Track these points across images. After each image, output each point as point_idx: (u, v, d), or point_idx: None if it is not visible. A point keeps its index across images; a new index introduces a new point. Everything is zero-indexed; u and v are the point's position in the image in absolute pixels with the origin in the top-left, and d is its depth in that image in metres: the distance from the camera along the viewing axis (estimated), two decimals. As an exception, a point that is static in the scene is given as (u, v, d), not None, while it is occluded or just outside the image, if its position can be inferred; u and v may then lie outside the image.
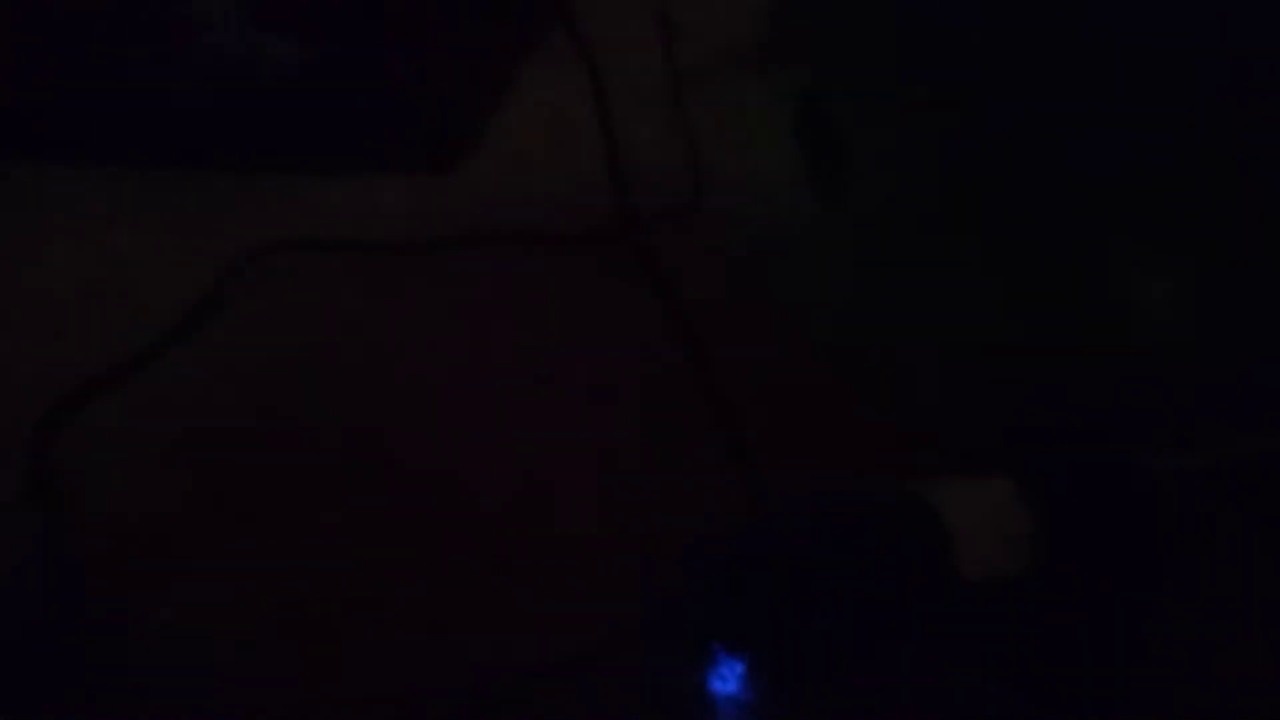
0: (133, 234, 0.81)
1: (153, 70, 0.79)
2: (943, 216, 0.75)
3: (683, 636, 0.60)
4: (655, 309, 0.79)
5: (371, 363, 0.75)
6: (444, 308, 0.79)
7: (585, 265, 0.82)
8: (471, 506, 0.69)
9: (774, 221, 0.86)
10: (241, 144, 0.84)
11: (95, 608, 0.62)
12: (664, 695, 0.60)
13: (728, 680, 0.58)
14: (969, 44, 0.71)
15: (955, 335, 0.74)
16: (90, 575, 0.64)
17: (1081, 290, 0.67)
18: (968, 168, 0.73)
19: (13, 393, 0.71)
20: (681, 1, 0.97)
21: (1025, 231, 0.70)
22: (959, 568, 0.56)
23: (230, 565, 0.65)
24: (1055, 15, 0.64)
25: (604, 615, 0.64)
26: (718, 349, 0.76)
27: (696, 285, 0.80)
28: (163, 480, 0.68)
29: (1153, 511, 0.60)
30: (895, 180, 0.79)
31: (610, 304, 0.80)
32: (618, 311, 0.79)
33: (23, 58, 0.78)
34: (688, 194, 0.87)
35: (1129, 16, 0.60)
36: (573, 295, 0.80)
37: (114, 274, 0.78)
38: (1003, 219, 0.71)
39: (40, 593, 0.63)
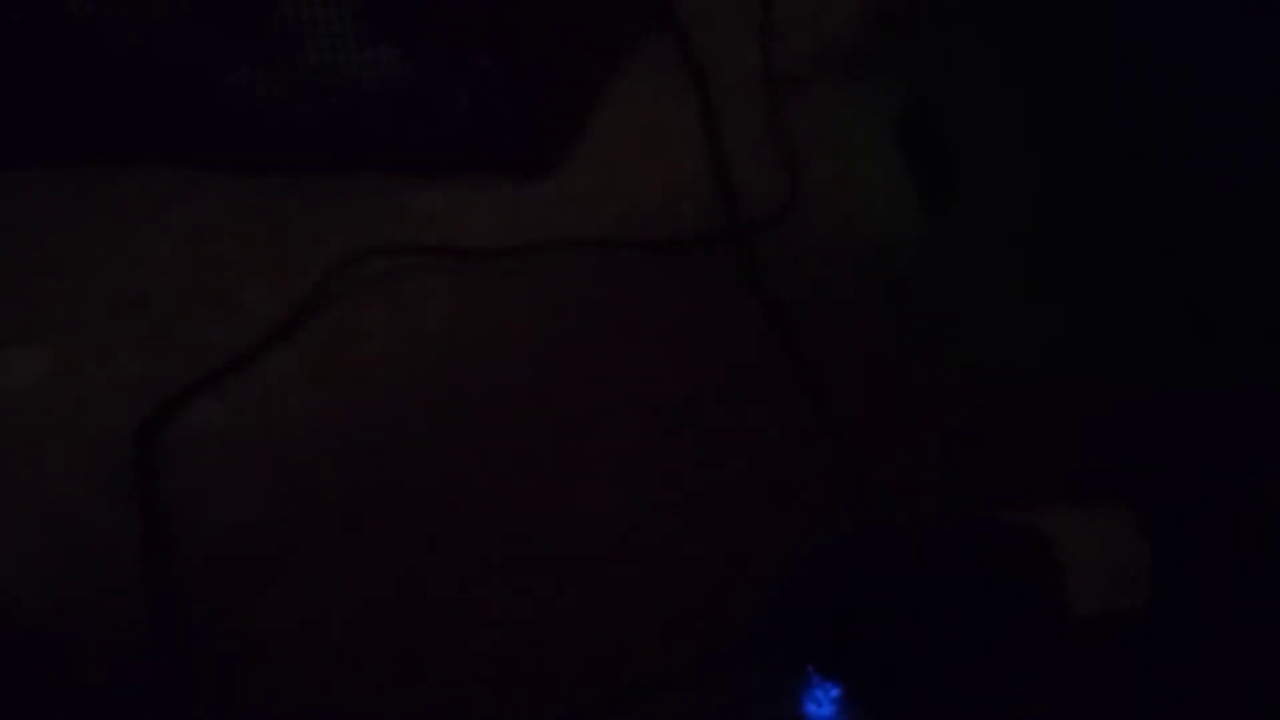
0: (235, 238, 0.82)
1: (259, 79, 0.80)
2: (1054, 229, 0.73)
3: (775, 656, 0.59)
4: (754, 316, 0.78)
5: (468, 367, 0.75)
6: (540, 312, 0.78)
7: (682, 271, 0.81)
8: (561, 515, 0.68)
9: (874, 230, 0.85)
10: (340, 149, 0.85)
11: (193, 609, 0.63)
12: (755, 718, 0.59)
13: (822, 704, 0.57)
14: (1087, 51, 0.69)
15: (1066, 354, 0.71)
16: (189, 576, 0.65)
17: (1204, 310, 0.64)
18: (1084, 179, 0.70)
19: (115, 394, 0.72)
20: (780, 6, 0.95)
21: (1142, 248, 0.67)
22: (1071, 601, 0.54)
23: (327, 568, 0.65)
24: (1187, 24, 0.61)
25: (694, 632, 0.63)
26: (817, 359, 0.75)
27: (793, 293, 0.79)
28: (261, 482, 0.69)
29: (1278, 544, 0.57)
30: (1004, 192, 0.77)
31: (708, 311, 0.79)
32: (715, 319, 0.78)
33: (133, 64, 0.80)
34: (784, 201, 0.85)
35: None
36: (669, 301, 0.79)
37: (216, 277, 0.80)
38: (1117, 234, 0.69)
39: (140, 593, 0.63)
